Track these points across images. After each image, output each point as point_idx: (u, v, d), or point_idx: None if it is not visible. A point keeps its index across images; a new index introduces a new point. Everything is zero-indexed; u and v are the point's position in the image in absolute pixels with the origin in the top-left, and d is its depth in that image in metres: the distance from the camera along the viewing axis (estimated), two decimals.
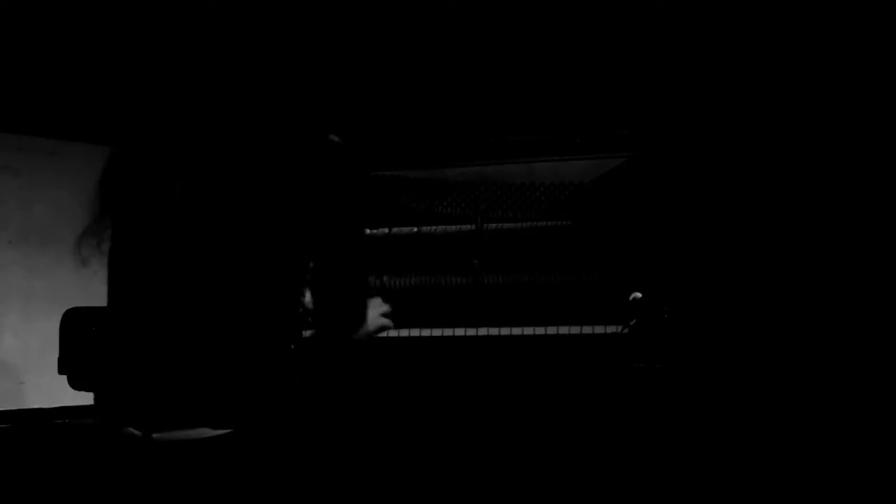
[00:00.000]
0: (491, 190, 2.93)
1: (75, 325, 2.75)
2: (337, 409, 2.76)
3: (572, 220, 2.85)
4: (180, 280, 1.81)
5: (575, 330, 2.74)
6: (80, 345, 2.73)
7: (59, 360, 2.75)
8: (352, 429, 2.83)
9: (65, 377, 2.74)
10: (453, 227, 2.93)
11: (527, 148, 2.95)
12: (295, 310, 1.91)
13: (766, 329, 2.82)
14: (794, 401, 2.78)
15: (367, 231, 2.94)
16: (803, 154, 2.89)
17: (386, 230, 2.97)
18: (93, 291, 3.42)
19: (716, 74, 2.99)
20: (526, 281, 2.85)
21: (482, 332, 2.83)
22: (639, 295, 2.55)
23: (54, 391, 3.07)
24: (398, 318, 2.31)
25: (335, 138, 1.96)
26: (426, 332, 2.85)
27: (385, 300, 2.25)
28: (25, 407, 3.31)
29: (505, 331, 2.81)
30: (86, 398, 2.86)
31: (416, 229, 2.96)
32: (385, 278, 2.93)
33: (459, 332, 2.84)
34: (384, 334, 2.32)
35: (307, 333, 1.99)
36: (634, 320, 2.54)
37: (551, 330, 2.77)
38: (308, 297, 1.94)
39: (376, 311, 2.19)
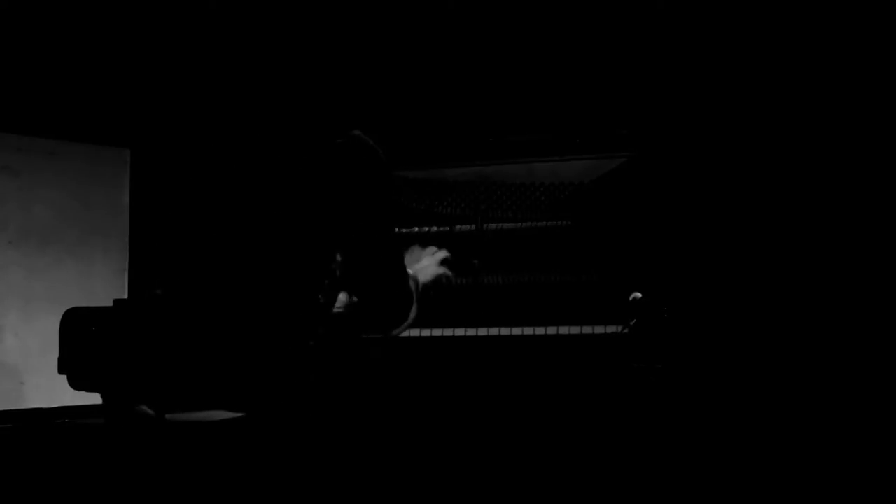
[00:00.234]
0: (491, 190, 2.93)
1: (75, 325, 2.74)
2: (338, 407, 2.76)
3: (572, 220, 2.85)
4: (205, 274, 1.84)
5: (575, 330, 2.74)
6: (80, 345, 2.72)
7: (59, 360, 2.75)
8: (352, 429, 2.83)
9: (65, 377, 2.73)
10: (453, 228, 2.93)
11: (527, 148, 2.95)
12: (314, 307, 1.91)
13: (765, 329, 2.82)
14: (793, 400, 2.78)
15: None
16: (803, 154, 2.89)
17: None
18: (93, 291, 3.45)
19: (715, 74, 3.00)
20: (526, 281, 2.85)
21: (482, 332, 2.83)
22: (639, 295, 2.55)
23: (54, 391, 3.07)
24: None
25: (358, 133, 1.95)
26: (426, 333, 2.86)
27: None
28: (25, 407, 3.31)
29: (505, 331, 2.81)
30: (86, 398, 2.85)
31: (416, 229, 2.96)
32: None
33: (459, 332, 2.84)
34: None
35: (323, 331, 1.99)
36: (634, 320, 2.54)
37: (551, 330, 2.77)
38: (322, 295, 1.93)
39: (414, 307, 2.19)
